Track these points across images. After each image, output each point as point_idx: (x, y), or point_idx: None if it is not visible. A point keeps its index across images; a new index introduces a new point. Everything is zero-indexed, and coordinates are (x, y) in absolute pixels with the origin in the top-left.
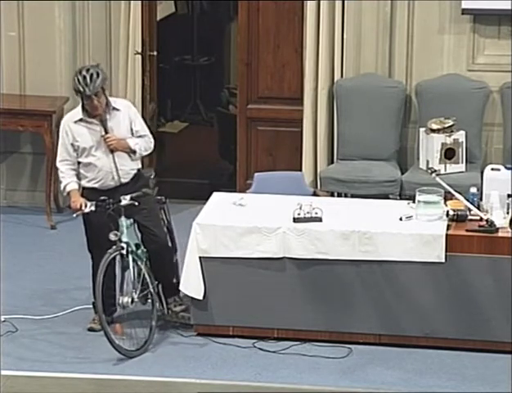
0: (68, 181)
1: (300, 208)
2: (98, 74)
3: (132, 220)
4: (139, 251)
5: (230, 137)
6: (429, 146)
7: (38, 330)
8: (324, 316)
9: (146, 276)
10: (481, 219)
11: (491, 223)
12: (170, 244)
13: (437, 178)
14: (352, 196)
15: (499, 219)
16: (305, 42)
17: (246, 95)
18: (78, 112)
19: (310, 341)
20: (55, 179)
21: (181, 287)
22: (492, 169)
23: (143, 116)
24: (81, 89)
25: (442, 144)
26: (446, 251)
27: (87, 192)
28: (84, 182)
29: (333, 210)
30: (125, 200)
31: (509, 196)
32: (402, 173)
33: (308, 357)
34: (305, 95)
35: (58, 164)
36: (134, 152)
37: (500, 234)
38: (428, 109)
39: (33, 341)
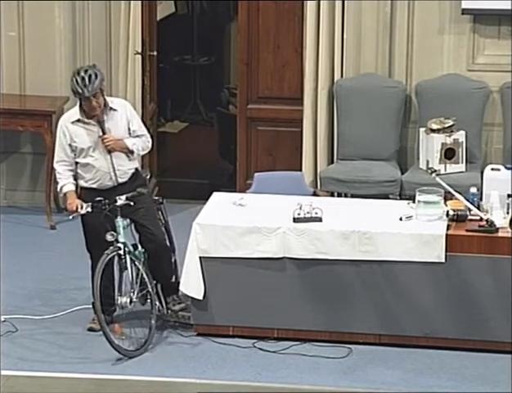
0: (64, 182)
1: (300, 208)
2: (96, 75)
3: (128, 221)
4: (136, 252)
5: (230, 137)
6: (429, 146)
7: (37, 330)
8: (324, 316)
9: (144, 276)
10: (481, 219)
11: (491, 223)
12: (168, 244)
13: (437, 178)
14: (352, 196)
15: (499, 219)
16: (305, 42)
17: (246, 95)
18: (75, 113)
19: (310, 340)
20: (55, 179)
21: (181, 287)
22: (492, 169)
23: (143, 116)
24: (79, 90)
25: (442, 144)
26: (446, 251)
27: (85, 193)
28: (82, 183)
29: (333, 210)
30: (121, 200)
31: (509, 196)
32: (402, 173)
33: (308, 357)
34: (305, 95)
35: (55, 165)
36: (132, 152)
37: (500, 234)
38: (428, 109)
39: (33, 341)
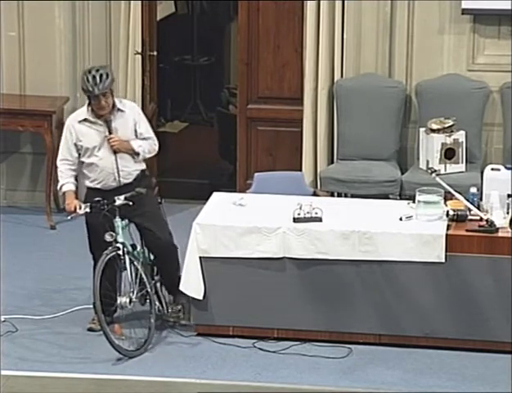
0: (65, 181)
1: (300, 208)
2: (107, 75)
3: (127, 221)
4: (135, 252)
5: (230, 137)
6: (429, 146)
7: (37, 330)
8: (324, 316)
9: (143, 276)
10: (481, 219)
11: (491, 223)
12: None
13: (437, 178)
14: (352, 196)
15: (499, 219)
16: (305, 42)
17: (246, 95)
18: (83, 112)
19: (310, 341)
20: (55, 179)
21: (181, 287)
22: (492, 169)
23: None
24: (90, 88)
25: (442, 144)
26: (446, 251)
27: (89, 193)
28: (87, 183)
29: (333, 210)
30: (119, 200)
31: (509, 196)
32: (402, 173)
33: (308, 357)
34: (305, 95)
35: (58, 163)
36: (137, 154)
37: (500, 234)
38: (428, 109)
39: (33, 341)
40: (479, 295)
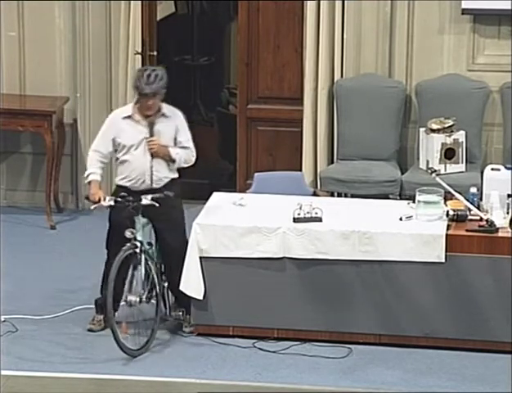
0: (93, 170)
1: (300, 208)
2: (162, 77)
3: (147, 220)
4: (150, 251)
5: (230, 137)
6: (429, 146)
7: (38, 330)
8: (324, 316)
9: (155, 276)
10: (481, 219)
11: (491, 223)
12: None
13: (437, 178)
14: (352, 196)
15: (499, 219)
16: (305, 42)
17: (246, 95)
18: (128, 109)
19: (310, 341)
20: (55, 179)
21: (181, 287)
22: (492, 169)
23: None
24: (141, 87)
25: (442, 144)
26: (446, 251)
27: (118, 190)
28: (117, 180)
29: (333, 210)
30: (146, 199)
31: (509, 196)
32: (402, 173)
33: (308, 357)
34: (305, 95)
35: (90, 151)
36: (173, 161)
37: (500, 234)
38: (428, 109)
39: (33, 341)
40: (479, 295)
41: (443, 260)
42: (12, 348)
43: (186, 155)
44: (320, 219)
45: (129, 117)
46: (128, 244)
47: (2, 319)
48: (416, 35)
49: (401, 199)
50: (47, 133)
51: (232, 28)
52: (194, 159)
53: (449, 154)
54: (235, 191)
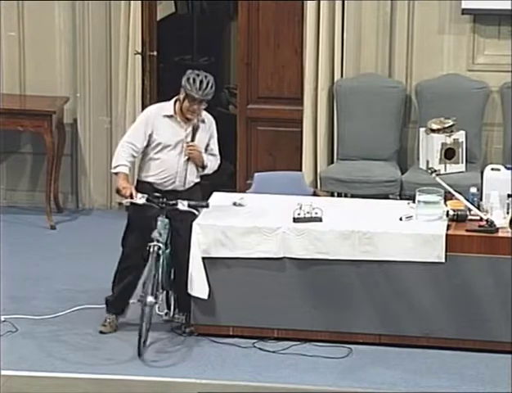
0: (123, 162)
1: (300, 208)
2: (212, 86)
3: (168, 221)
4: (167, 251)
5: (230, 137)
6: (429, 146)
7: (38, 330)
8: (324, 316)
9: (166, 277)
10: (481, 219)
11: (491, 223)
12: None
13: (437, 178)
14: (352, 196)
15: (499, 219)
16: (305, 42)
17: (246, 95)
18: (169, 108)
19: (310, 341)
20: (55, 179)
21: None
22: (492, 169)
23: None
24: (193, 91)
25: (442, 144)
26: (446, 251)
27: (141, 185)
28: (142, 175)
29: (333, 210)
30: (183, 206)
31: (509, 196)
32: (402, 173)
33: (308, 357)
34: (305, 95)
35: (123, 142)
36: (204, 168)
37: (500, 234)
38: (428, 109)
39: (33, 341)
40: (479, 295)
41: (443, 260)
42: (12, 348)
43: (214, 162)
44: (320, 219)
45: (171, 116)
46: (153, 243)
47: (2, 319)
48: (416, 35)
49: (401, 199)
50: (47, 133)
51: (232, 28)
52: (217, 167)
53: (449, 154)
54: (235, 191)
